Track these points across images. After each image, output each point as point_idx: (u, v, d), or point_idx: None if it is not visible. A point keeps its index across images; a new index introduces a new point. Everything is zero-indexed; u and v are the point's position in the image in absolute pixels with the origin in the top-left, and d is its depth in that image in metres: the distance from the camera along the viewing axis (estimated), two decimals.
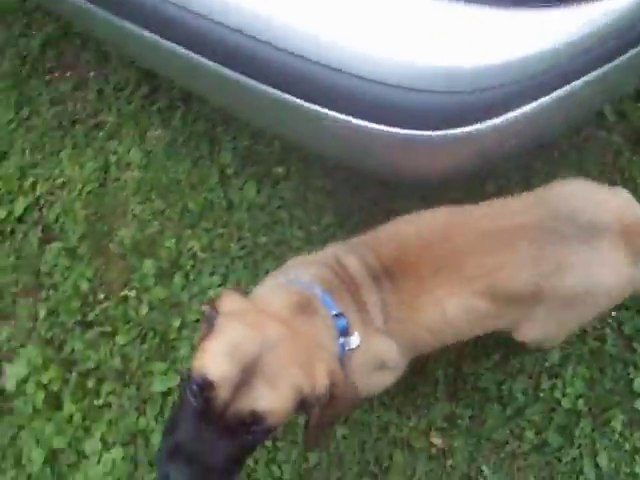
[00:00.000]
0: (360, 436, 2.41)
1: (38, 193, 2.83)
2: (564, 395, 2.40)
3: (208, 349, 1.49)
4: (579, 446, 2.35)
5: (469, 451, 2.37)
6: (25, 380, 2.59)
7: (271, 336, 1.48)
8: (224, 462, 1.48)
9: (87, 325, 2.60)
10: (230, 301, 1.58)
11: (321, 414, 1.58)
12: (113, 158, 2.82)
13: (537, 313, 1.90)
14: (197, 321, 2.51)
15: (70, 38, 3.11)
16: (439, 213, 1.91)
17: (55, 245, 2.74)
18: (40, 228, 2.80)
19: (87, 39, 3.03)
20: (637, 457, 2.34)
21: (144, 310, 2.55)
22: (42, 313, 2.66)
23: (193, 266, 2.63)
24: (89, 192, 2.78)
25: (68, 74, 3.02)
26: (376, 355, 1.83)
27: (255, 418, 1.44)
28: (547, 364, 2.42)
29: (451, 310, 1.80)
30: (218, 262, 2.60)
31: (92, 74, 3.00)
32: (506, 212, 1.83)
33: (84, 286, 2.67)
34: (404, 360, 1.93)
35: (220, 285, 2.55)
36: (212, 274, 2.58)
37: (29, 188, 2.84)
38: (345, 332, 1.69)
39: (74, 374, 2.58)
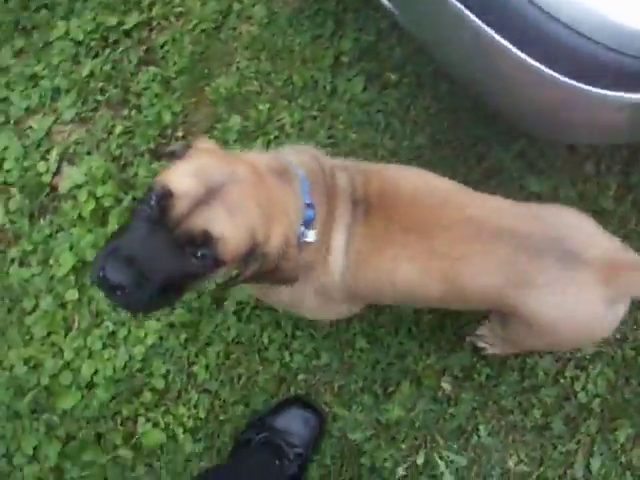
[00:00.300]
0: (376, 354, 2.44)
1: (153, 14, 2.82)
2: (583, 389, 2.40)
3: (174, 168, 1.49)
4: (578, 442, 2.37)
5: (473, 407, 2.40)
6: (80, 186, 2.64)
7: (240, 173, 1.48)
8: (163, 278, 1.46)
9: (157, 156, 2.63)
10: (206, 142, 1.59)
11: (254, 274, 1.57)
12: (237, 6, 2.80)
13: (496, 325, 1.91)
14: None
15: None
16: (447, 184, 1.86)
17: (152, 69, 2.75)
18: (144, 48, 2.80)
19: None
20: (629, 473, 2.35)
21: None
22: (118, 129, 2.69)
23: (277, 137, 2.63)
24: (203, 30, 2.77)
25: None
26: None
27: (206, 239, 1.44)
28: (578, 354, 2.41)
29: (402, 274, 1.76)
30: (303, 140, 2.60)
31: None
32: (502, 212, 1.77)
33: (167, 118, 2.68)
34: (344, 292, 1.88)
35: None
36: None
37: (146, 6, 2.83)
38: (308, 224, 1.67)
39: (129, 197, 2.62)
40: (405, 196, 1.76)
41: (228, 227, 1.45)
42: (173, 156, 1.56)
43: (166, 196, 1.44)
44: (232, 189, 1.46)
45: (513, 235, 1.69)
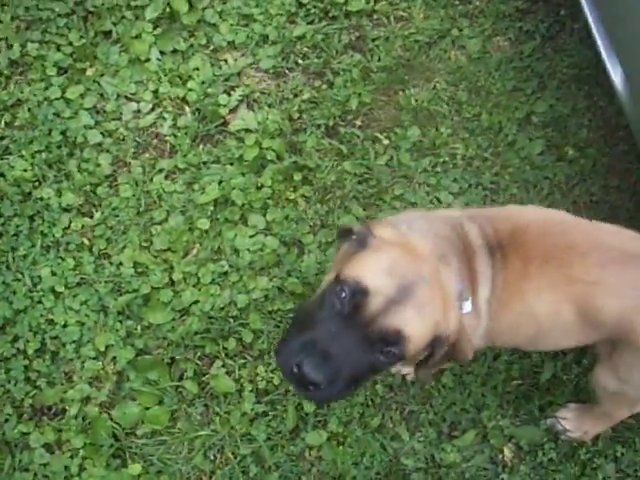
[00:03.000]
0: (456, 396, 2.73)
1: (377, 7, 3.22)
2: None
3: (365, 262, 1.73)
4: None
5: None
6: (250, 131, 3.04)
7: (425, 272, 1.74)
8: (352, 371, 1.69)
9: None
10: (384, 229, 1.83)
11: (441, 357, 1.84)
12: (455, 32, 3.16)
13: (615, 354, 2.09)
14: None
15: None
16: (560, 213, 2.14)
17: (357, 56, 3.15)
18: (357, 34, 3.20)
19: None
20: None
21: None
22: (305, 95, 3.10)
23: (445, 162, 2.99)
24: (416, 41, 3.13)
25: None
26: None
27: (398, 338, 1.68)
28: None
29: (544, 304, 1.97)
30: (467, 176, 2.98)
31: None
32: (631, 237, 2.02)
33: (354, 104, 3.07)
34: (484, 341, 2.13)
35: None
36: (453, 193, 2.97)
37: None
38: (460, 295, 1.91)
39: (291, 159, 2.98)
40: (533, 230, 2.00)
41: (418, 325, 1.71)
42: (351, 237, 1.81)
43: (361, 292, 1.68)
44: (422, 290, 1.72)
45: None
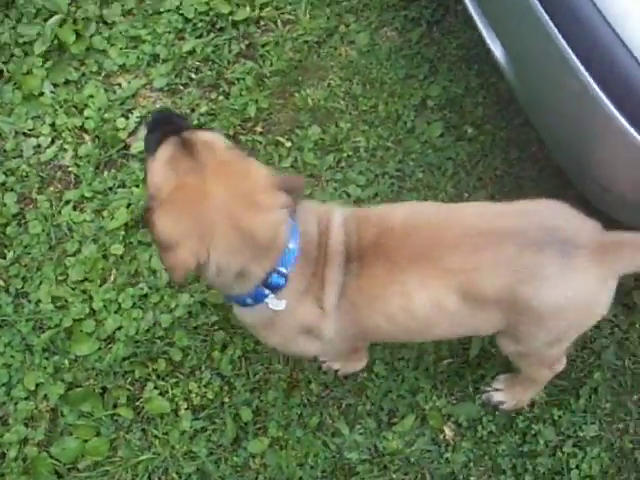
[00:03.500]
0: (390, 384, 2.80)
1: (263, 14, 3.28)
2: (577, 467, 2.69)
3: None
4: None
5: (469, 458, 2.73)
6: None
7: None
8: None
9: None
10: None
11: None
12: (342, 29, 3.24)
13: (510, 324, 2.17)
14: None
15: None
16: (429, 205, 2.25)
17: (250, 64, 3.20)
18: (246, 42, 3.25)
19: None
20: None
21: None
22: (203, 109, 3.18)
23: (349, 156, 3.06)
24: (305, 42, 3.21)
25: None
26: (302, 322, 2.11)
27: None
28: (581, 433, 2.77)
29: (419, 302, 2.05)
30: (373, 167, 3.04)
31: None
32: (494, 214, 2.11)
33: (252, 111, 3.12)
34: (346, 341, 2.24)
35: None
36: (361, 185, 3.04)
37: (258, 5, 3.30)
38: (274, 289, 1.98)
39: None
40: (398, 232, 2.07)
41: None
42: None
43: None
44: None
45: (513, 234, 2.01)
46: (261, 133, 3.09)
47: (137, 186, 2.97)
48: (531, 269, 1.98)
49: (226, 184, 1.83)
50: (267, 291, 1.98)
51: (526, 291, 2.00)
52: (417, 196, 3.00)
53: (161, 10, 3.21)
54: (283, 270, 1.95)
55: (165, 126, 1.95)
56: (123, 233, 2.91)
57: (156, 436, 2.73)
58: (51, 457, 2.71)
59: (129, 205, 2.95)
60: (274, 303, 2.01)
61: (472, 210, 2.15)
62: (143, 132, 2.92)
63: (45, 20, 3.21)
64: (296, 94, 3.12)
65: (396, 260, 2.02)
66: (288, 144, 3.03)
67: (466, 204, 2.21)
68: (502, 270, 2.00)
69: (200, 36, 3.20)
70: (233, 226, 1.82)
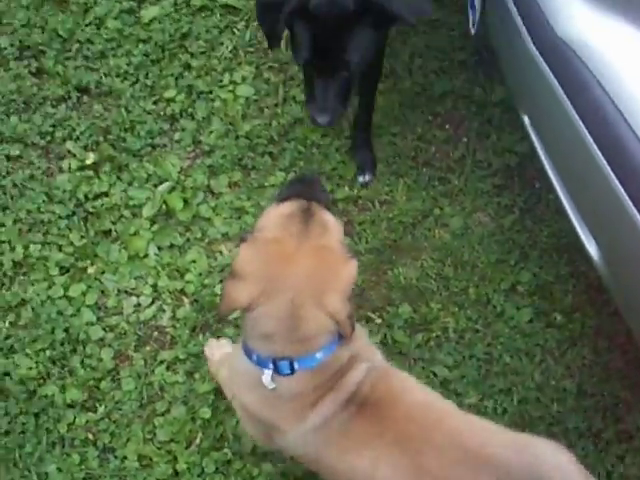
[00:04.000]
0: None
1: (361, 194, 3.50)
2: None
3: None
4: None
5: None
6: None
7: None
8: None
9: None
10: None
11: None
12: (437, 212, 3.41)
13: None
14: None
15: None
16: (447, 405, 2.26)
17: (346, 240, 3.35)
18: (345, 219, 3.43)
19: None
20: None
21: None
22: None
23: (437, 336, 3.17)
24: (401, 222, 3.37)
25: None
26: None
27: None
28: None
29: (378, 472, 2.06)
30: (461, 349, 3.15)
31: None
32: (491, 439, 2.11)
33: None
34: (293, 454, 2.35)
35: None
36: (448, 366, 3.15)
37: (358, 188, 3.52)
38: (278, 370, 2.08)
39: None
40: (403, 409, 2.14)
41: None
42: None
43: None
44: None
45: (497, 466, 2.00)
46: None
47: None
48: None
49: (314, 265, 2.00)
50: (271, 366, 2.07)
51: None
52: (504, 380, 3.06)
53: (265, 184, 3.42)
54: (296, 366, 2.05)
55: (305, 188, 2.20)
56: (212, 397, 3.01)
57: None
58: None
59: None
60: (267, 379, 2.08)
61: (476, 425, 2.19)
62: None
63: (155, 186, 3.43)
64: (389, 272, 3.25)
65: (385, 431, 2.08)
66: (379, 320, 3.15)
67: (480, 421, 2.24)
68: None
69: None
70: (292, 301, 1.98)
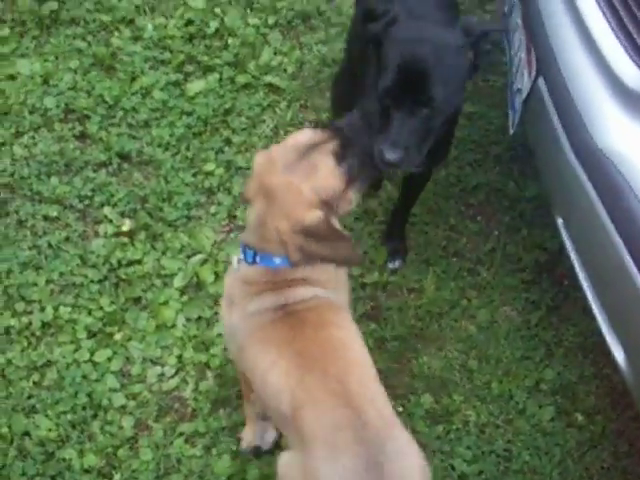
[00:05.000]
0: None
1: (391, 279, 3.56)
2: None
3: None
4: None
5: None
6: None
7: None
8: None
9: None
10: None
11: None
12: (465, 303, 3.48)
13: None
14: None
15: None
16: (365, 363, 2.46)
17: (372, 325, 3.42)
18: (372, 304, 3.50)
19: None
20: None
21: None
22: None
23: (458, 429, 3.18)
24: (428, 311, 3.44)
25: None
26: (230, 293, 2.55)
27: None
28: None
29: (273, 379, 2.35)
30: (481, 443, 3.15)
31: None
32: (369, 400, 2.31)
33: None
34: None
35: None
36: (467, 460, 3.16)
37: (385, 272, 3.58)
38: (244, 254, 2.43)
39: None
40: (320, 335, 2.36)
41: None
42: None
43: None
44: None
45: (359, 416, 2.19)
46: None
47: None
48: None
49: (282, 194, 2.29)
50: (241, 251, 2.43)
51: None
52: (522, 478, 3.06)
53: None
54: (257, 259, 2.38)
55: (353, 133, 2.44)
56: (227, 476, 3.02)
57: None
58: None
59: (234, 455, 3.06)
60: (235, 260, 2.50)
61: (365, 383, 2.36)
62: None
63: (188, 257, 3.51)
64: (413, 360, 3.30)
65: (294, 342, 2.35)
66: (400, 409, 3.18)
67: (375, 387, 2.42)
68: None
69: None
70: (265, 207, 2.34)
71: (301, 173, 2.27)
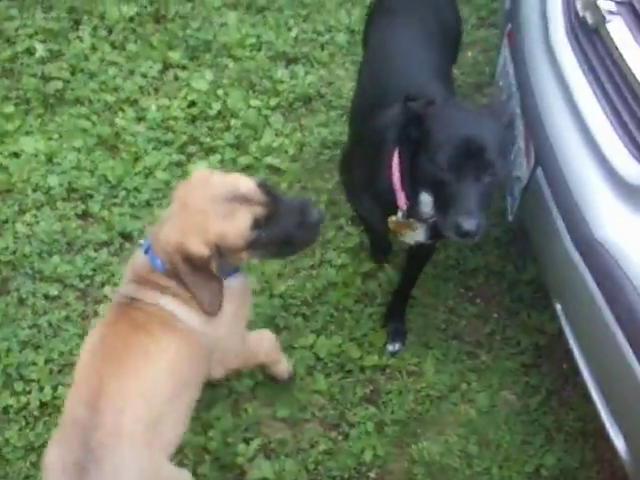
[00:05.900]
0: None
1: (390, 362, 3.57)
2: None
3: None
4: None
5: None
6: None
7: None
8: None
9: None
10: None
11: None
12: (464, 387, 3.48)
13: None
14: None
15: None
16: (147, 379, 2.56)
17: (372, 409, 3.42)
18: (371, 388, 3.52)
19: None
20: None
21: None
22: (321, 447, 3.31)
23: None
24: (427, 395, 3.45)
25: None
26: None
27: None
28: None
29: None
30: None
31: None
32: (107, 406, 2.42)
33: (368, 457, 3.28)
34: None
35: None
36: None
37: (385, 355, 3.60)
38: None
39: None
40: (131, 336, 2.52)
41: None
42: None
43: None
44: None
45: (77, 422, 2.36)
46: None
47: None
48: None
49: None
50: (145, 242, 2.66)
51: None
52: None
53: (295, 345, 3.53)
54: (148, 253, 2.59)
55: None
56: None
57: None
58: None
59: None
60: (140, 244, 2.70)
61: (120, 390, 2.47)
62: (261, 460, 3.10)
63: None
64: (413, 445, 3.29)
65: (109, 329, 2.60)
66: None
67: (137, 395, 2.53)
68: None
69: (329, 375, 3.45)
70: None
71: (219, 212, 2.40)
